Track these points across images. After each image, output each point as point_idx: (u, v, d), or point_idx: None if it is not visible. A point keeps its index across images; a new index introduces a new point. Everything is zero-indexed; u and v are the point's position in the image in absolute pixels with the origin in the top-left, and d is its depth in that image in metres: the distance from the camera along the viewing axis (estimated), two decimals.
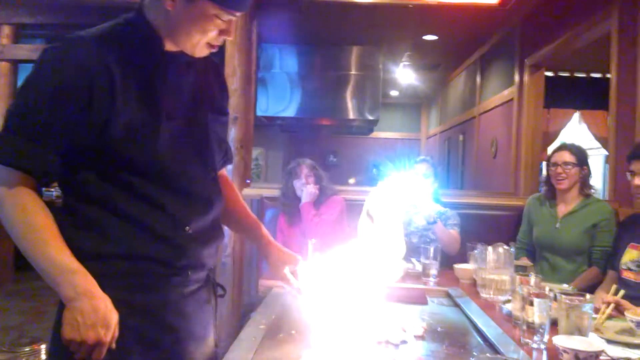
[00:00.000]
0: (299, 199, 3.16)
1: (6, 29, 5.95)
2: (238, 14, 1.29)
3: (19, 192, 1.16)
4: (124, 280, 1.26)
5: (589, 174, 2.87)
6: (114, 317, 1.18)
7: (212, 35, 1.28)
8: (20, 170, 1.16)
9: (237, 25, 1.32)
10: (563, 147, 2.94)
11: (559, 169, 2.82)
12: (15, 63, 6.02)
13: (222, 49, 1.37)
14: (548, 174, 2.93)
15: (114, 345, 1.17)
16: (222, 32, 1.29)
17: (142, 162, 1.25)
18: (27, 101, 1.19)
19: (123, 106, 1.21)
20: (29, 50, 6.00)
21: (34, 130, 1.16)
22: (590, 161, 2.92)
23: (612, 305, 1.81)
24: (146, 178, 1.26)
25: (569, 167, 2.81)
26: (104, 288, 1.19)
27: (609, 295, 1.91)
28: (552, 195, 2.95)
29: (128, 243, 1.25)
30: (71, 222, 1.24)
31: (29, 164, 1.16)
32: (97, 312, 1.15)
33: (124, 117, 1.21)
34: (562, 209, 2.89)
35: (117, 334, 1.18)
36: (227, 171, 1.67)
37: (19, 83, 5.85)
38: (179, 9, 1.23)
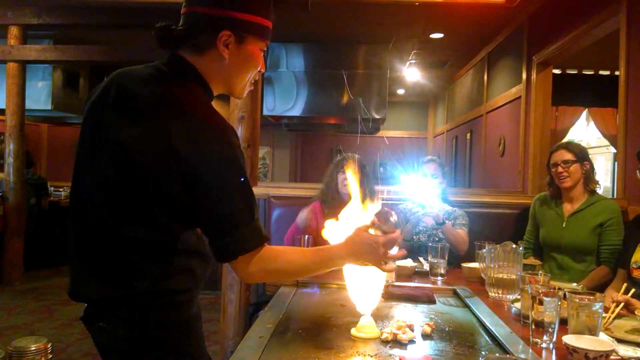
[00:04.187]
0: (339, 194, 3.14)
1: (14, 30, 5.99)
2: (267, 44, 1.40)
3: (277, 254, 1.32)
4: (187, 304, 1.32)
5: (591, 169, 2.85)
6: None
7: (256, 70, 1.39)
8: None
9: None
10: (560, 146, 2.93)
11: (560, 168, 2.81)
12: (23, 63, 6.06)
13: None
14: (550, 176, 2.91)
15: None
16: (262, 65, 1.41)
17: None
18: (247, 189, 1.25)
19: None
20: (37, 51, 6.05)
21: (256, 209, 1.27)
22: (596, 158, 2.91)
23: (621, 304, 1.80)
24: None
25: (569, 164, 2.79)
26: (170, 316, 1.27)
27: (619, 294, 1.90)
28: (557, 194, 2.93)
29: (199, 273, 1.33)
30: (167, 271, 1.25)
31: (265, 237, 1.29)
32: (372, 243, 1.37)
33: None
34: (567, 208, 2.87)
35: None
36: None
37: (27, 84, 5.85)
38: (233, 53, 1.31)
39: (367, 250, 1.37)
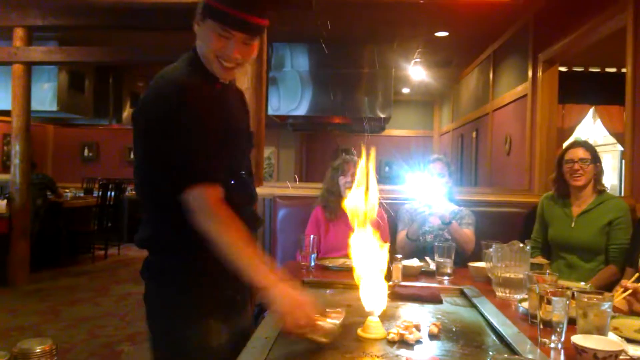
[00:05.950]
0: (342, 197, 3.13)
1: (19, 32, 6.00)
2: (234, 33, 1.47)
3: (222, 206, 1.43)
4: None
5: (601, 170, 2.83)
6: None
7: (219, 52, 1.49)
8: (216, 183, 1.44)
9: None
10: (577, 144, 2.90)
11: (576, 166, 2.78)
12: (29, 65, 6.08)
13: None
14: (559, 173, 2.88)
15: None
16: (230, 50, 1.50)
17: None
18: (198, 131, 1.44)
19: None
20: (42, 52, 6.06)
21: (212, 149, 1.45)
22: (603, 156, 2.89)
23: (629, 290, 1.78)
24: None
25: (587, 162, 2.77)
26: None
27: (629, 281, 1.87)
28: (565, 194, 2.90)
29: None
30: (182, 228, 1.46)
31: (220, 178, 1.46)
32: (299, 302, 1.40)
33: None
34: (576, 208, 2.85)
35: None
36: None
37: (32, 85, 5.87)
38: (197, 30, 1.52)
39: (288, 302, 1.39)
